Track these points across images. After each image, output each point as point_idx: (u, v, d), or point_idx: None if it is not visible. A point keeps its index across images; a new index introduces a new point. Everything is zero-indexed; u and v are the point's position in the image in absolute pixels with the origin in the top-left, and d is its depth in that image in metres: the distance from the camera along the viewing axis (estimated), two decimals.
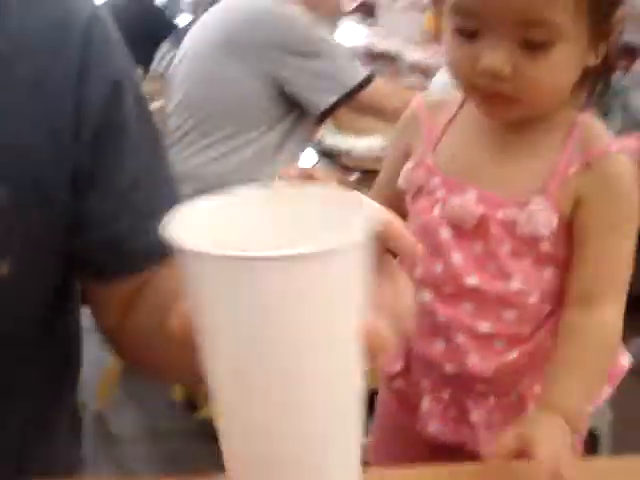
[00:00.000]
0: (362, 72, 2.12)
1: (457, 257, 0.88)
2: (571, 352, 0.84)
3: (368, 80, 2.10)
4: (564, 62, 0.80)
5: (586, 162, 0.86)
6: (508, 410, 0.92)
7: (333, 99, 2.06)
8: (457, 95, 0.94)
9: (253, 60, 2.12)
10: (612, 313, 0.85)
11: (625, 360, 0.96)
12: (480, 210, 0.86)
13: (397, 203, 0.92)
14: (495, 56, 0.78)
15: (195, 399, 2.38)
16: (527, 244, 0.87)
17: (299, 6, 2.29)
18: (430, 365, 0.92)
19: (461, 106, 0.93)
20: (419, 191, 0.91)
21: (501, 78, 0.79)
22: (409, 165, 0.92)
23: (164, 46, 3.39)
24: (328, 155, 2.53)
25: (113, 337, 0.77)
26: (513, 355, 0.90)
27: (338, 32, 2.63)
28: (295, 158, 2.40)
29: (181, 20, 4.38)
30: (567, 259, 0.87)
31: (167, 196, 0.73)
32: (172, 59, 2.56)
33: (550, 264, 0.88)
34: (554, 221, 0.85)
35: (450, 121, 0.93)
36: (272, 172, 2.27)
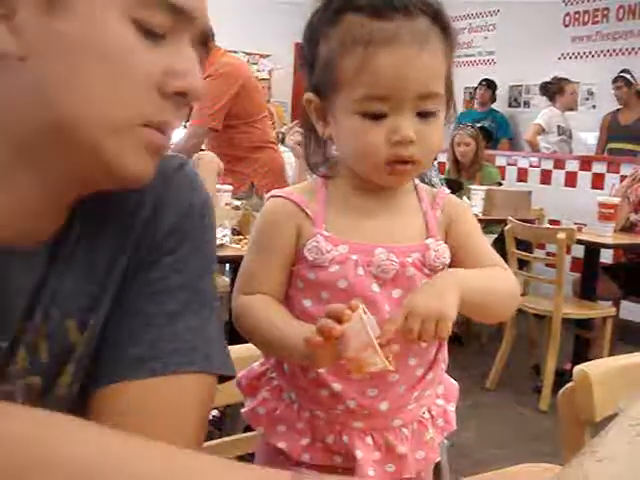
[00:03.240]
0: None
1: (386, 305, 0.91)
2: (480, 270, 0.94)
3: None
4: (442, 123, 0.92)
5: (440, 204, 0.98)
6: (418, 436, 0.97)
7: None
8: (311, 181, 1.00)
9: None
10: (512, 274, 0.97)
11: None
12: (396, 259, 0.91)
13: (283, 289, 0.95)
14: (407, 127, 0.87)
15: None
16: (437, 273, 0.94)
17: None
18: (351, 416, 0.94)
19: (326, 187, 0.97)
20: (332, 260, 0.91)
21: (412, 144, 0.87)
22: (316, 241, 0.92)
23: None
24: None
25: None
26: (414, 394, 0.95)
27: None
28: None
29: None
30: None
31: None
32: None
33: None
34: (447, 250, 0.95)
35: (325, 200, 0.96)
36: None
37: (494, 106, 6.95)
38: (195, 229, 0.74)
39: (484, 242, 1.00)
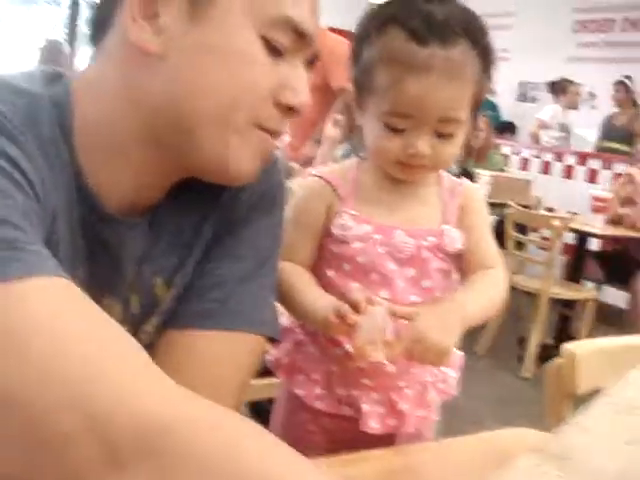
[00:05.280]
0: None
1: (399, 282, 0.92)
2: (474, 283, 0.93)
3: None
4: (460, 141, 0.91)
5: (459, 194, 0.98)
6: (419, 397, 0.98)
7: None
8: (347, 163, 1.00)
9: None
10: (504, 274, 0.96)
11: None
12: (412, 242, 0.92)
13: (313, 259, 0.96)
14: (422, 144, 0.87)
15: None
16: (450, 258, 0.95)
17: None
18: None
19: (359, 170, 0.97)
20: (356, 237, 0.92)
21: (424, 157, 0.88)
22: (343, 218, 0.93)
23: None
24: None
25: None
26: None
27: None
28: None
29: None
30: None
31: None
32: None
33: (452, 272, 0.97)
34: (461, 237, 0.95)
35: (356, 182, 0.96)
36: None
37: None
38: (270, 208, 0.76)
39: (489, 238, 0.98)
